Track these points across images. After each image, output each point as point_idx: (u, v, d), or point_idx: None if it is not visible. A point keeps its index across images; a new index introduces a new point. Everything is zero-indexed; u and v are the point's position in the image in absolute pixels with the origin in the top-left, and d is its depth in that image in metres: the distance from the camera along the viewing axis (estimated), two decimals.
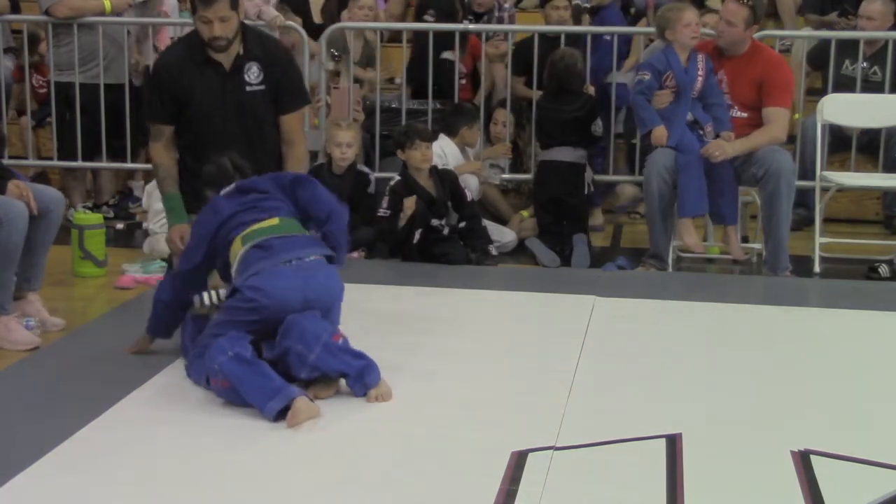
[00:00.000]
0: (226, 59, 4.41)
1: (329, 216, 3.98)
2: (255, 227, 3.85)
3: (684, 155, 5.52)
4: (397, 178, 5.80)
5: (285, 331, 3.66)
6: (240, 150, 4.22)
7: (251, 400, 3.50)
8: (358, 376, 3.66)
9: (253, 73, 4.43)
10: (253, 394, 3.49)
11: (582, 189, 6.22)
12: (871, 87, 6.52)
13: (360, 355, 3.71)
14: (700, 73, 5.60)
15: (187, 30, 7.73)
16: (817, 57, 6.77)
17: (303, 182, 4.08)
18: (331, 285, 3.83)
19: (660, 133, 5.57)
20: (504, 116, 6.67)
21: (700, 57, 5.63)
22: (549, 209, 6.17)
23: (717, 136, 5.59)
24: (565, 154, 6.17)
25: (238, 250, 3.83)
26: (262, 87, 4.43)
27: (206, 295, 3.85)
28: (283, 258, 3.76)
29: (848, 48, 6.63)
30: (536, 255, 5.93)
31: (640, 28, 7.36)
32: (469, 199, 5.92)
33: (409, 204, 5.65)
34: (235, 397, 3.55)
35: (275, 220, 3.88)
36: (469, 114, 6.53)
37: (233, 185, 4.02)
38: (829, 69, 6.46)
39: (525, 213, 6.51)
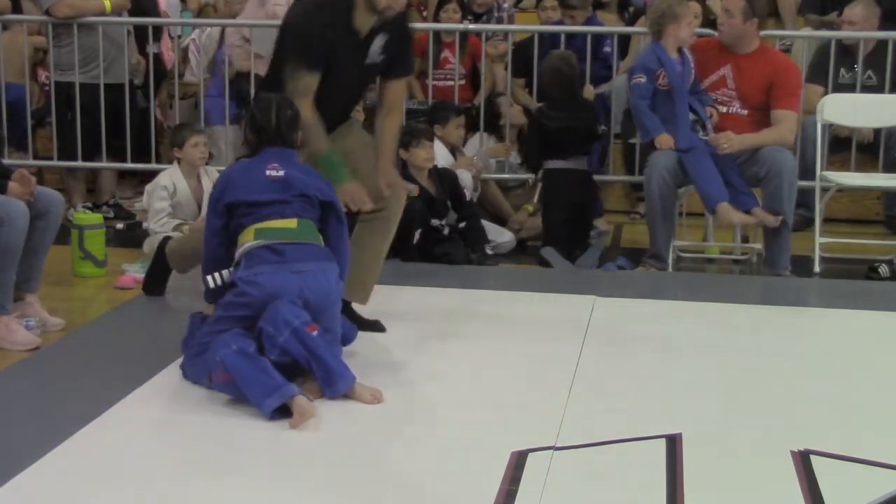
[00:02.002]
0: (365, 27, 4.21)
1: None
2: (272, 224, 3.80)
3: (690, 154, 5.51)
4: None
5: (263, 314, 3.65)
6: (338, 116, 4.26)
7: (250, 395, 3.48)
8: (327, 378, 3.60)
9: (377, 45, 4.26)
10: (252, 389, 3.48)
11: (593, 195, 6.26)
12: (867, 91, 6.52)
13: (332, 354, 3.65)
14: (691, 65, 5.62)
15: (189, 31, 7.80)
16: (816, 70, 6.75)
17: (339, 222, 3.98)
18: (329, 287, 3.79)
19: (663, 140, 5.54)
20: (504, 101, 6.66)
21: (686, 51, 5.64)
22: (560, 218, 6.14)
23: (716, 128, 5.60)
24: (576, 163, 6.16)
25: (248, 240, 3.79)
26: (382, 57, 4.29)
27: (210, 279, 3.85)
28: (293, 268, 3.73)
29: (842, 56, 6.63)
30: (552, 265, 5.88)
31: (639, 28, 7.35)
32: (468, 198, 5.92)
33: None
34: (236, 392, 3.55)
35: (293, 223, 3.82)
36: (438, 113, 6.52)
37: (282, 173, 3.88)
38: (828, 77, 6.47)
39: (529, 208, 6.49)
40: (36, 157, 7.16)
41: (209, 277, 3.88)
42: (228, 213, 3.87)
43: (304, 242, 3.81)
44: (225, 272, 3.85)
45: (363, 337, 4.14)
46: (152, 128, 6.97)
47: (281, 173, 3.87)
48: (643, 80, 5.58)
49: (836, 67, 6.53)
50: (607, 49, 6.90)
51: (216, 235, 3.91)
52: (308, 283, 3.71)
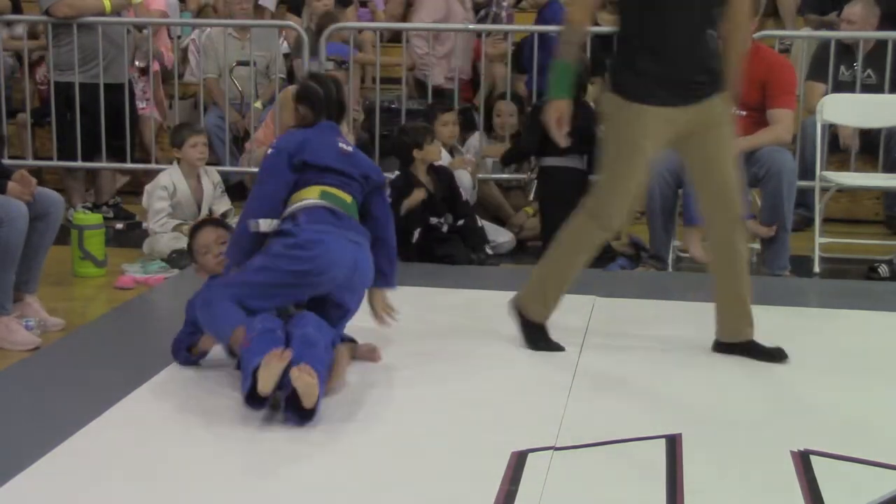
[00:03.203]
0: None
1: (378, 238, 3.98)
2: (336, 191, 3.86)
3: None
4: (397, 173, 5.83)
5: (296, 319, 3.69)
6: (700, 47, 3.83)
7: (246, 363, 3.44)
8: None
9: None
10: (249, 357, 3.43)
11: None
12: (866, 90, 6.51)
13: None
14: None
15: (189, 31, 7.79)
16: (817, 67, 6.75)
17: (384, 201, 4.07)
18: (370, 274, 3.92)
19: None
20: (506, 108, 6.66)
21: None
22: (558, 216, 6.12)
23: None
24: (573, 161, 6.16)
25: (310, 196, 3.81)
26: None
27: (254, 222, 3.81)
28: (349, 236, 3.79)
29: (842, 54, 6.63)
30: None
31: None
32: (464, 198, 5.93)
33: (417, 196, 5.70)
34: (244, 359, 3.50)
35: (349, 198, 3.89)
36: (429, 111, 6.54)
37: (350, 149, 3.98)
38: (828, 75, 6.47)
39: (529, 210, 6.49)
40: (35, 158, 7.16)
41: (256, 221, 3.80)
42: (300, 170, 3.87)
43: (353, 219, 3.88)
44: (271, 221, 3.81)
45: (362, 337, 4.13)
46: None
47: (350, 149, 3.98)
48: None
49: (835, 65, 6.54)
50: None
51: (283, 186, 3.85)
52: (360, 257, 3.81)
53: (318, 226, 3.75)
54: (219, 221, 4.46)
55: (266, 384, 3.32)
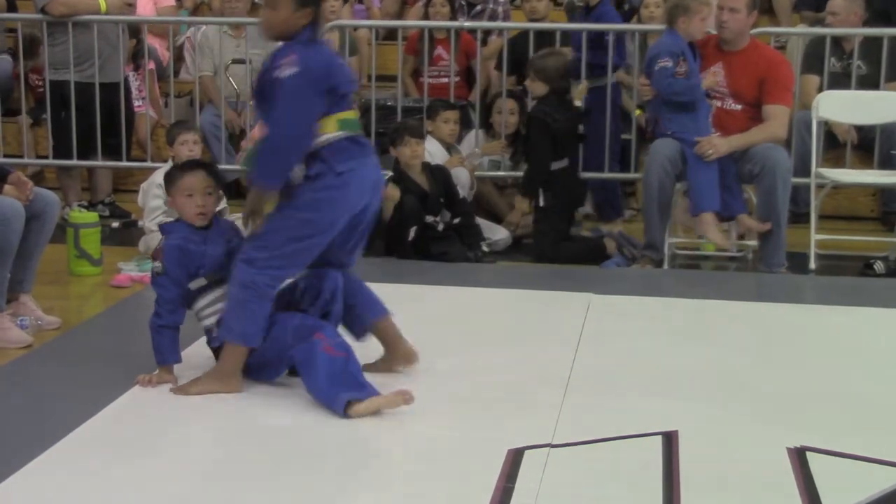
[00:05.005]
0: None
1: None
2: (349, 115, 3.60)
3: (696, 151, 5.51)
4: (389, 174, 5.79)
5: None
6: None
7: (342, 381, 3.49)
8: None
9: None
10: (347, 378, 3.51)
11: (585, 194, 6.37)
12: (858, 80, 6.50)
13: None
14: (697, 61, 5.63)
15: (185, 29, 7.77)
16: (810, 60, 6.75)
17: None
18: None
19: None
20: (507, 105, 6.64)
21: (695, 46, 5.64)
22: (564, 218, 6.13)
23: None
24: (569, 162, 6.16)
25: (329, 131, 3.52)
26: None
27: (299, 168, 3.53)
28: (374, 160, 3.67)
29: (834, 46, 6.63)
30: (624, 249, 5.90)
31: (633, 25, 7.25)
32: (461, 196, 5.91)
33: (391, 194, 5.54)
34: (328, 370, 3.51)
35: (356, 113, 3.67)
36: (430, 109, 6.51)
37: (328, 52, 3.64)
38: (822, 66, 6.48)
39: (525, 208, 6.46)
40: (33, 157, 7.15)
41: (300, 168, 3.51)
42: (327, 99, 3.53)
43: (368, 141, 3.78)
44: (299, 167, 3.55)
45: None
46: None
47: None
48: (670, 63, 5.48)
49: (826, 57, 6.54)
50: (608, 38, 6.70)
51: (313, 121, 3.49)
52: (380, 177, 3.76)
53: (347, 163, 3.52)
54: (213, 170, 3.94)
55: (359, 415, 3.42)
